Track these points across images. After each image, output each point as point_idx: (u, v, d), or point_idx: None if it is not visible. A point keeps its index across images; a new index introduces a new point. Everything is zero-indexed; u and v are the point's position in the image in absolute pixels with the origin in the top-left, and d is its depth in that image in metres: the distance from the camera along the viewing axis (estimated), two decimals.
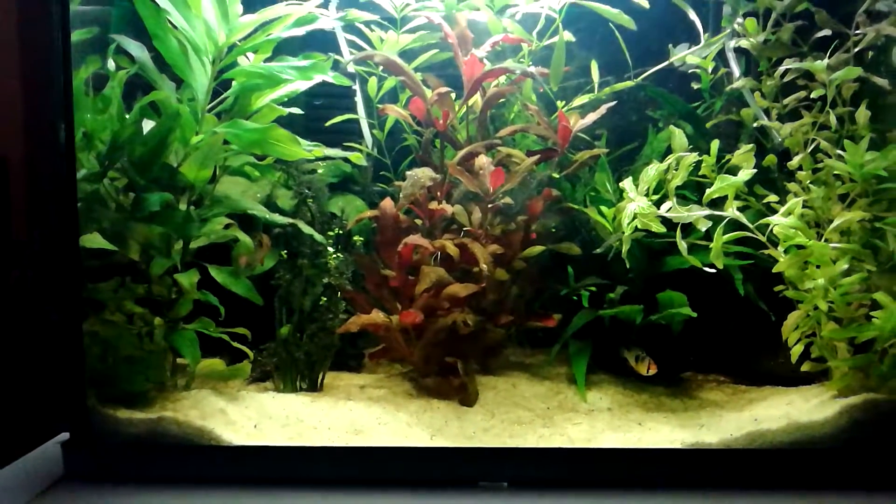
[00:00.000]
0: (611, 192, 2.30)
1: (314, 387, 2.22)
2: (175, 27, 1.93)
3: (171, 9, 1.88)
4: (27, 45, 2.21)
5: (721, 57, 2.30)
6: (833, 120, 1.95)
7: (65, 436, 1.93)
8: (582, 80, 2.49)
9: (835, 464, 1.84)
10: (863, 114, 1.95)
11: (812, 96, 1.98)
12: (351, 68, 2.42)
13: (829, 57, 1.98)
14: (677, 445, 1.88)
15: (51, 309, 1.91)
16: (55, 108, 1.83)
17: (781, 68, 2.03)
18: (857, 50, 1.96)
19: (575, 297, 2.36)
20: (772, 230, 1.96)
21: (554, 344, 2.32)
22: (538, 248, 2.24)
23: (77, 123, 1.85)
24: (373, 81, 2.45)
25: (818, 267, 1.95)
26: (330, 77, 2.03)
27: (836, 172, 1.96)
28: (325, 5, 2.41)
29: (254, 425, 1.95)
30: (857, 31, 1.96)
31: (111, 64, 2.02)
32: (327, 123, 2.46)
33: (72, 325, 1.88)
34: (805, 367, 2.05)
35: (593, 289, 2.34)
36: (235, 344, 2.14)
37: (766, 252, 2.01)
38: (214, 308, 2.08)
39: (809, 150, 2.02)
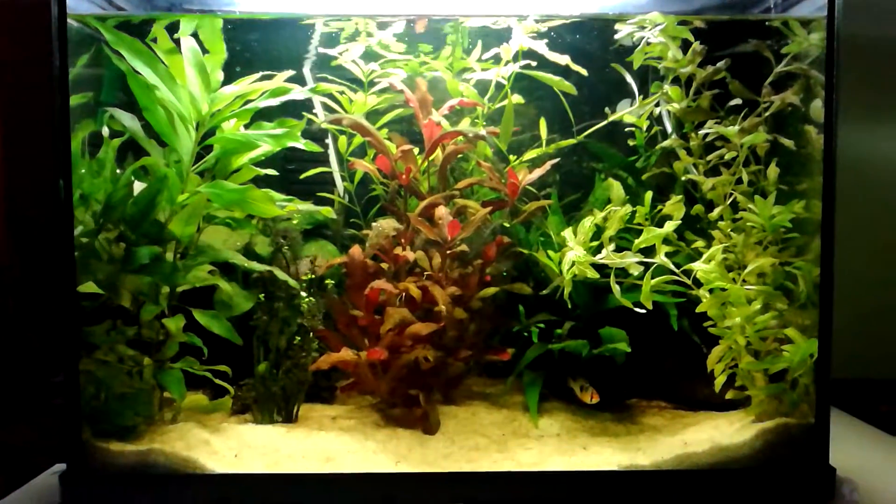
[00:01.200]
0: (558, 237, 2.53)
1: (290, 418, 2.39)
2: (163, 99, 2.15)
3: (159, 84, 2.10)
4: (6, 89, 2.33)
5: (656, 117, 2.56)
6: (746, 176, 2.21)
7: (61, 467, 2.09)
8: (535, 132, 2.73)
9: (751, 483, 2.04)
10: (772, 170, 2.21)
11: (727, 157, 2.24)
12: (324, 126, 2.66)
13: (744, 120, 2.24)
14: (614, 467, 2.07)
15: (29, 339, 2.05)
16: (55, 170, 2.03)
17: (703, 131, 2.29)
18: (766, 115, 2.22)
19: (526, 333, 2.58)
20: (696, 274, 2.21)
21: (510, 375, 2.53)
22: (492, 290, 2.46)
23: (74, 184, 2.06)
24: (343, 139, 2.68)
25: (736, 307, 2.19)
26: (301, 144, 2.26)
27: (750, 223, 2.21)
28: (300, 70, 2.66)
29: (235, 454, 2.11)
30: (766, 100, 2.22)
31: (105, 131, 2.23)
32: (302, 176, 2.69)
33: (70, 365, 2.05)
34: (729, 395, 2.29)
35: (542, 325, 2.56)
36: (217, 381, 2.33)
37: (694, 292, 2.26)
38: (198, 348, 2.27)
39: (728, 202, 2.28)
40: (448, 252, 2.42)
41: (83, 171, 2.16)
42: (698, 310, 2.20)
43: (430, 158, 2.52)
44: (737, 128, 2.18)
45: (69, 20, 2.02)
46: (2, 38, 2.35)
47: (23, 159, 2.10)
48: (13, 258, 2.39)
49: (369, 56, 2.61)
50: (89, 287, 2.13)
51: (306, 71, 2.67)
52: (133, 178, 2.15)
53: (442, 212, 2.41)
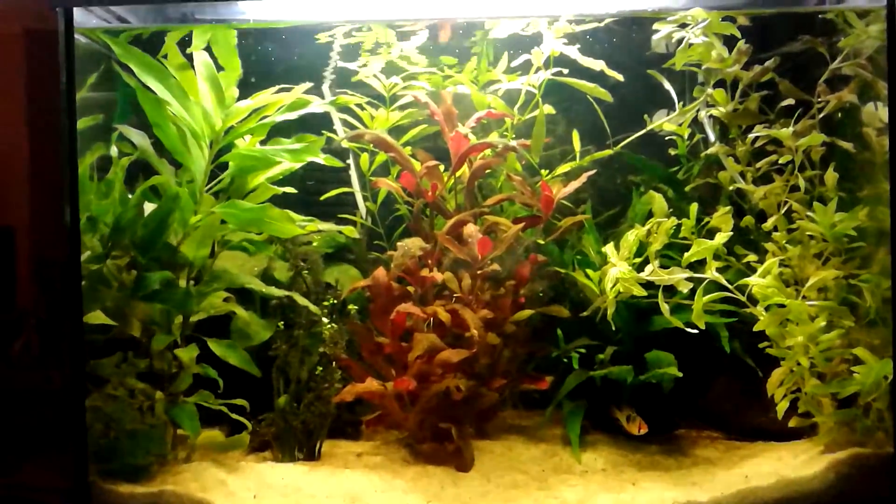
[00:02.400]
0: (596, 255, 2.37)
1: (312, 455, 2.26)
2: (175, 115, 2.05)
3: (170, 99, 2.00)
4: (36, 132, 2.34)
5: (697, 123, 2.41)
6: (802, 182, 2.04)
7: None
8: (566, 146, 2.59)
9: None
10: (831, 176, 2.04)
11: (781, 161, 2.08)
12: (345, 144, 2.54)
13: (796, 123, 2.08)
14: None
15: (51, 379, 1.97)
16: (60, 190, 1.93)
17: (752, 135, 2.13)
18: (821, 116, 2.06)
19: (566, 359, 2.41)
20: (751, 290, 2.03)
21: (548, 404, 2.36)
22: (527, 312, 2.31)
23: (82, 207, 1.96)
24: (365, 157, 2.56)
25: (797, 324, 2.01)
26: (321, 159, 2.13)
27: (809, 233, 2.03)
28: (319, 86, 2.55)
29: (253, 496, 1.99)
30: (820, 99, 2.06)
31: (114, 150, 2.13)
32: (323, 197, 2.56)
33: (75, 400, 1.94)
34: (792, 423, 2.09)
35: (583, 350, 2.39)
36: (234, 415, 2.19)
37: (749, 310, 2.08)
38: (213, 380, 2.14)
39: (783, 211, 2.11)
40: (478, 272, 2.27)
41: (91, 195, 2.05)
42: (756, 328, 2.03)
43: (458, 175, 2.38)
44: (790, 130, 2.01)
45: (76, 35, 1.93)
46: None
47: (48, 202, 2.06)
48: (38, 300, 2.35)
49: (391, 71, 2.50)
50: (97, 317, 2.01)
51: (325, 88, 2.56)
52: (143, 200, 2.03)
53: (471, 229, 2.26)
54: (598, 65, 2.30)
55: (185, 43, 2.12)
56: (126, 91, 2.20)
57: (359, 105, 2.49)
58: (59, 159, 1.92)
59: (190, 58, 2.11)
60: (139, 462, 2.03)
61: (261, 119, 2.13)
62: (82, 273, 1.95)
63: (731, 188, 2.25)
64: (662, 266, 2.12)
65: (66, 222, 1.89)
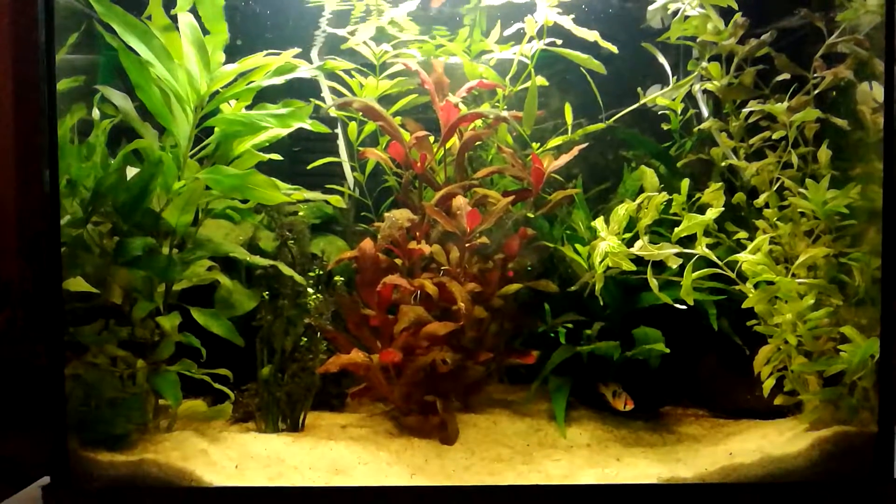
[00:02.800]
0: (586, 231, 2.35)
1: (296, 427, 2.24)
2: (158, 77, 1.99)
3: (153, 60, 1.94)
4: (19, 93, 2.27)
5: (690, 98, 2.38)
6: (795, 159, 2.02)
7: (46, 480, 1.94)
8: (558, 120, 2.56)
9: (807, 497, 1.86)
10: (824, 153, 2.02)
11: (775, 137, 2.05)
12: (333, 113, 2.50)
13: (790, 99, 2.05)
14: (653, 480, 1.90)
15: (37, 353, 1.94)
16: (41, 155, 1.88)
17: (746, 110, 2.11)
18: (816, 92, 2.03)
19: (553, 334, 2.40)
20: (741, 266, 2.02)
21: (534, 379, 2.35)
22: (515, 286, 2.28)
23: (62, 170, 1.91)
24: (353, 126, 2.51)
25: (786, 302, 1.99)
26: (307, 125, 2.09)
27: (800, 210, 2.02)
28: (306, 52, 2.50)
29: (235, 466, 1.97)
30: (816, 75, 2.03)
31: (96, 113, 2.07)
32: (310, 166, 2.52)
33: (54, 368, 1.90)
34: (778, 401, 2.09)
35: (570, 325, 2.37)
36: (217, 385, 2.16)
37: (738, 287, 2.06)
38: (196, 349, 2.11)
39: (775, 188, 2.09)
40: (467, 245, 2.24)
41: (72, 158, 2.00)
42: (745, 305, 2.02)
43: (448, 146, 2.35)
44: (785, 105, 1.98)
45: None
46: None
47: (35, 174, 2.01)
48: (24, 272, 2.30)
49: (381, 40, 2.45)
50: (78, 283, 1.96)
51: (314, 54, 2.51)
52: (126, 164, 1.98)
53: (460, 201, 2.23)
54: (593, 35, 2.26)
55: (170, 5, 2.06)
56: (109, 53, 2.14)
57: (348, 72, 2.44)
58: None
59: (174, 19, 2.05)
60: (119, 431, 2.00)
61: (247, 84, 2.07)
62: (62, 238, 1.90)
63: (723, 164, 2.23)
64: (652, 242, 2.10)
65: (44, 185, 1.84)
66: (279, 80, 2.04)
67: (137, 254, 1.95)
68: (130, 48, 1.96)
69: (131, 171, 2.00)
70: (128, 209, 1.97)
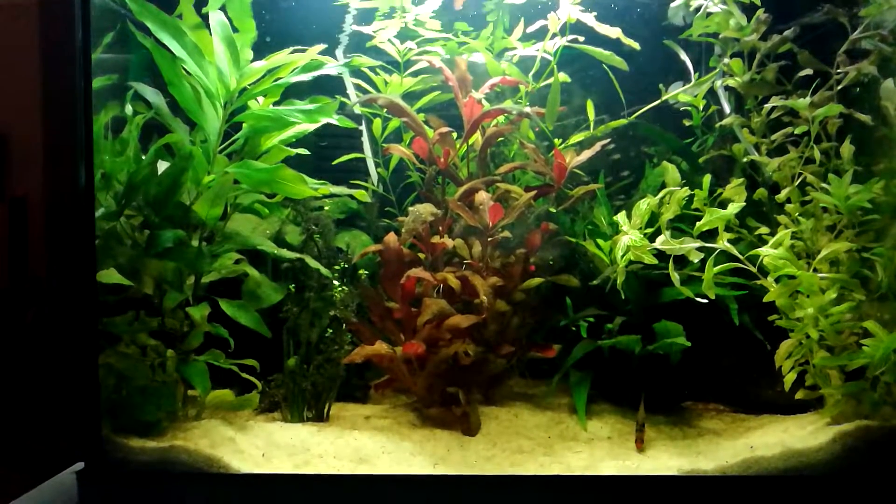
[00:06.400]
0: (607, 226, 2.37)
1: (321, 417, 2.27)
2: (189, 73, 2.04)
3: (185, 57, 1.99)
4: (51, 90, 2.33)
5: (712, 95, 2.38)
6: (818, 154, 2.02)
7: (80, 465, 1.98)
8: (580, 116, 2.58)
9: (828, 490, 1.86)
10: (847, 148, 2.02)
11: (797, 132, 2.06)
12: (357, 110, 2.53)
13: (813, 94, 2.05)
14: (673, 472, 1.91)
15: (69, 342, 1.98)
16: (76, 150, 1.93)
17: (768, 106, 2.11)
18: (839, 88, 2.03)
19: (574, 328, 2.41)
20: (762, 261, 2.02)
21: (555, 374, 2.37)
22: (537, 280, 2.31)
23: (96, 165, 1.96)
24: (378, 122, 2.55)
25: (808, 296, 2.00)
26: (335, 120, 2.13)
27: (822, 205, 2.02)
28: (332, 50, 2.54)
29: (262, 454, 2.00)
30: (839, 70, 2.03)
31: (129, 109, 2.13)
32: (334, 162, 2.56)
33: (88, 357, 1.95)
34: (799, 395, 2.09)
35: (591, 319, 2.39)
36: (244, 375, 2.21)
37: (759, 282, 2.07)
38: (224, 340, 2.15)
39: (797, 183, 2.09)
40: (489, 239, 2.27)
41: (106, 154, 2.05)
42: (766, 299, 2.02)
43: (470, 142, 2.37)
44: (807, 100, 1.98)
45: None
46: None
47: (65, 171, 2.06)
48: (52, 269, 2.35)
49: (405, 37, 2.48)
50: (111, 275, 2.01)
51: (339, 52, 2.55)
52: (157, 158, 2.03)
53: (483, 197, 2.26)
54: (615, 32, 2.27)
55: (200, 4, 2.11)
56: (141, 52, 2.19)
57: (373, 69, 2.48)
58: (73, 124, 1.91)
59: (205, 18, 2.10)
60: (150, 418, 2.04)
61: (275, 80, 2.12)
62: (96, 231, 1.95)
63: (745, 160, 2.23)
64: (674, 237, 2.11)
65: (79, 179, 1.88)
66: (306, 77, 2.08)
67: (168, 246, 1.99)
68: (163, 45, 2.01)
69: (163, 166, 2.05)
70: (159, 202, 2.02)
